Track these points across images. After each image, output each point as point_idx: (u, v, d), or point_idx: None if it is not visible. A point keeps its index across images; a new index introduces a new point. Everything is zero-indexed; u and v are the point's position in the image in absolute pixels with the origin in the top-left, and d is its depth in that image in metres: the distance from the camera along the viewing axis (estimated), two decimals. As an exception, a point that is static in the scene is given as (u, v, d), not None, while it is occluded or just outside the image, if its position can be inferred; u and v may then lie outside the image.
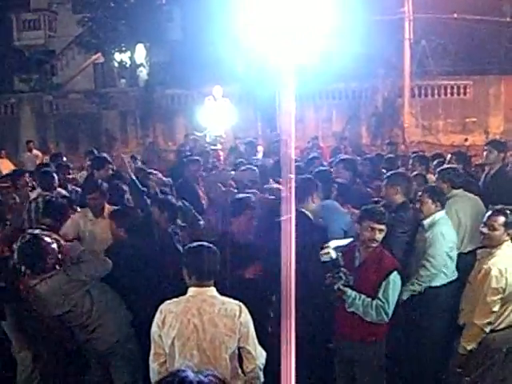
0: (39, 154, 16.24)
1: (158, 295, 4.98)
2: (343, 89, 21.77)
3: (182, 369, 2.06)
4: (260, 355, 4.12)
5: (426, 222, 5.74)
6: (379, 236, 4.91)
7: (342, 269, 4.82)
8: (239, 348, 4.07)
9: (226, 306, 4.05)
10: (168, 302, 4.12)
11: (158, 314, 4.06)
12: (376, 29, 18.94)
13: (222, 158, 12.27)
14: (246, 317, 4.06)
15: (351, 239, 5.16)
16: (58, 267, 5.01)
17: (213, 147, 12.33)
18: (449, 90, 21.26)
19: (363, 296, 4.80)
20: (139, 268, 5.46)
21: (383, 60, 21.30)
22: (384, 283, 4.79)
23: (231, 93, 16.70)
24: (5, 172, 11.53)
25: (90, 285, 5.10)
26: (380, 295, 4.78)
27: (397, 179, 6.01)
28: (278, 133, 13.46)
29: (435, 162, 8.11)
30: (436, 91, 21.29)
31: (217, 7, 14.05)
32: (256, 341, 4.11)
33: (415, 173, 7.47)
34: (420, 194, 5.92)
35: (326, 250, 4.88)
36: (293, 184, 2.72)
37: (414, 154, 9.13)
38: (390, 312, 4.82)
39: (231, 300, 4.13)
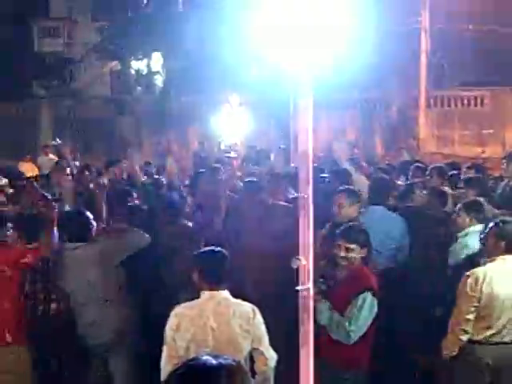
0: (55, 158, 16.36)
1: (162, 294, 5.11)
2: (357, 98, 21.75)
3: (201, 354, 2.13)
4: (272, 357, 4.16)
5: (460, 234, 5.81)
6: (352, 255, 4.74)
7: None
8: (251, 350, 4.10)
9: (240, 308, 4.10)
10: (181, 305, 4.16)
11: (172, 319, 4.08)
12: (391, 39, 18.97)
13: (236, 165, 12.33)
14: (260, 318, 4.11)
15: None
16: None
17: (227, 155, 12.38)
18: (465, 101, 21.13)
19: (333, 311, 4.61)
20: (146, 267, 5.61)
21: (398, 70, 21.28)
22: (354, 301, 4.57)
23: (245, 101, 16.76)
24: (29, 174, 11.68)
25: (124, 255, 5.36)
26: (346, 313, 4.57)
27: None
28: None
29: (450, 173, 8.10)
30: (452, 102, 21.20)
31: (233, 15, 14.14)
32: (268, 343, 4.15)
33: (432, 185, 7.45)
34: (458, 207, 5.93)
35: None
36: (310, 196, 2.76)
37: (432, 165, 9.00)
38: (355, 333, 4.54)
39: (244, 302, 4.18)
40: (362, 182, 7.64)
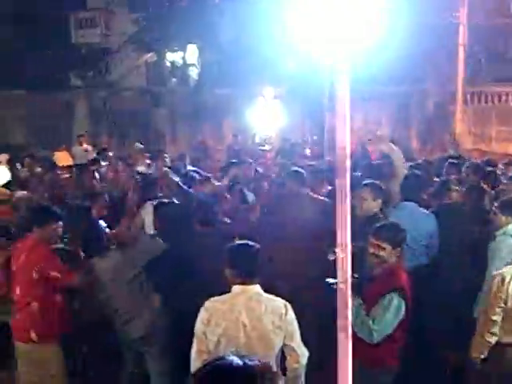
0: (89, 148, 16.54)
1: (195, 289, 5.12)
2: (393, 92, 21.48)
3: (227, 355, 2.12)
4: (303, 354, 4.12)
5: (498, 233, 5.73)
6: (382, 254, 4.64)
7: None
8: (283, 346, 4.07)
9: (272, 304, 4.06)
10: (213, 299, 4.13)
11: (202, 312, 4.07)
12: (428, 32, 18.68)
13: (270, 158, 12.32)
14: (292, 315, 4.08)
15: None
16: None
17: (261, 148, 12.37)
18: (503, 97, 20.76)
19: (361, 307, 4.54)
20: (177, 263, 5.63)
21: (434, 64, 20.98)
22: (380, 301, 4.49)
23: (280, 94, 16.71)
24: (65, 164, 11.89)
25: (141, 264, 5.37)
26: (372, 312, 4.50)
27: None
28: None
29: (486, 171, 7.98)
30: (489, 98, 20.84)
31: (268, 8, 14.09)
32: (300, 339, 4.12)
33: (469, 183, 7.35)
34: (495, 205, 5.88)
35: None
36: (347, 189, 2.72)
37: (468, 163, 8.85)
38: (378, 334, 4.45)
39: (276, 298, 4.14)
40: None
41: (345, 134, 2.68)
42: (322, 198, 6.91)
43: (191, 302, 5.16)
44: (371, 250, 4.68)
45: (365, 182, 6.25)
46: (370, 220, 5.69)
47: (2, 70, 22.66)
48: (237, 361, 2.04)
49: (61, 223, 5.41)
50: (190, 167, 10.41)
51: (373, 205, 5.97)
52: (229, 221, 6.93)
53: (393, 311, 4.46)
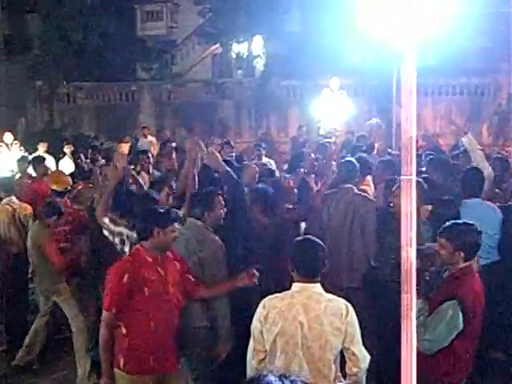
0: (154, 140, 16.65)
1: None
2: (464, 84, 20.88)
3: (264, 373, 1.87)
4: (364, 358, 3.91)
5: None
6: (443, 253, 4.34)
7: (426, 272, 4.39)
8: (343, 349, 3.87)
9: (332, 304, 3.86)
10: (271, 296, 3.99)
11: (260, 309, 3.94)
12: (501, 22, 18.00)
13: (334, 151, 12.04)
14: (353, 316, 3.86)
15: None
16: None
17: (327, 140, 12.09)
18: None
19: (423, 312, 4.23)
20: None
21: (508, 55, 20.24)
22: (438, 309, 4.17)
23: (347, 85, 16.44)
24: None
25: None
26: (428, 319, 4.20)
27: None
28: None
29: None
30: None
31: (335, -1, 13.85)
32: (361, 343, 3.90)
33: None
34: None
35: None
36: (414, 183, 2.58)
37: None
38: (431, 344, 4.13)
39: (337, 298, 3.95)
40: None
41: (412, 126, 2.54)
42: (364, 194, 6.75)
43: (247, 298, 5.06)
44: (436, 248, 4.43)
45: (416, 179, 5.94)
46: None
47: (74, 62, 23.15)
48: (275, 382, 1.82)
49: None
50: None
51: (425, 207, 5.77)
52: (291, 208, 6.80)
53: (446, 322, 4.13)
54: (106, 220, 5.70)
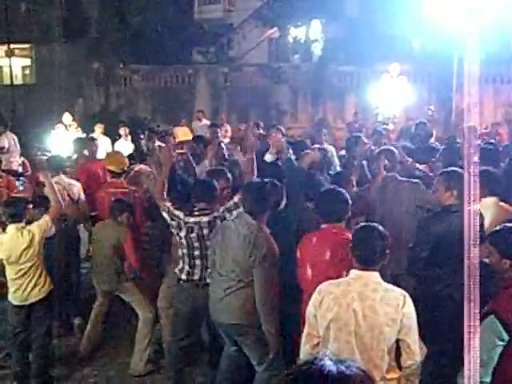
0: (208, 123, 16.64)
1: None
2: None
3: (320, 357, 1.82)
4: (420, 351, 3.82)
5: None
6: (492, 260, 3.97)
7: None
8: (398, 340, 3.77)
9: (389, 294, 3.75)
10: (328, 282, 3.93)
11: (315, 295, 3.89)
12: None
13: (392, 138, 11.79)
14: (410, 308, 3.74)
15: None
16: None
17: (384, 127, 11.85)
18: None
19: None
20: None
21: None
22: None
23: (406, 70, 16.13)
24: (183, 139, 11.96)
25: None
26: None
27: None
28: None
29: None
30: None
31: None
32: (417, 335, 3.79)
33: None
34: None
35: None
36: (476, 173, 2.49)
37: None
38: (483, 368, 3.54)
39: (395, 288, 3.84)
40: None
41: (474, 115, 2.48)
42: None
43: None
44: (492, 261, 4.03)
45: (444, 169, 5.69)
46: (439, 214, 5.33)
47: (131, 45, 23.36)
48: (330, 367, 1.75)
49: None
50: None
51: (444, 196, 5.35)
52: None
53: (484, 340, 3.43)
54: (168, 203, 5.73)
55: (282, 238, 5.22)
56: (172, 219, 5.65)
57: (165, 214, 5.72)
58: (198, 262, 5.60)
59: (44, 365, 6.32)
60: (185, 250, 5.64)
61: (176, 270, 5.77)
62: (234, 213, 5.43)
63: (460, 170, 5.30)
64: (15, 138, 12.53)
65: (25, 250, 5.97)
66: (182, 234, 5.59)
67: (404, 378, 3.87)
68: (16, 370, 6.28)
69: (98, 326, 7.04)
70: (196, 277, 5.62)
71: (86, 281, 8.37)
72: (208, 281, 5.50)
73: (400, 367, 3.88)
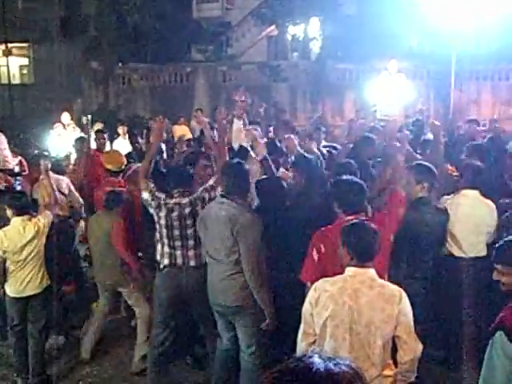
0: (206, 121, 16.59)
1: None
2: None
3: (309, 354, 1.77)
4: (416, 347, 3.79)
5: None
6: (506, 280, 3.74)
7: None
8: (394, 337, 3.77)
9: (385, 290, 3.75)
10: (324, 279, 3.90)
11: (311, 292, 3.88)
12: None
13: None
14: (406, 304, 3.75)
15: None
16: None
17: (382, 124, 11.83)
18: None
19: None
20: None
21: None
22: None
23: (404, 68, 16.12)
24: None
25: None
26: None
27: None
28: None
29: None
30: None
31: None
32: (413, 331, 3.78)
33: None
34: None
35: None
36: None
37: None
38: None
39: (391, 285, 3.85)
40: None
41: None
42: None
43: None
44: (494, 277, 3.86)
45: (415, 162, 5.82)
46: (412, 206, 5.40)
47: (130, 44, 23.32)
48: (318, 364, 1.71)
49: None
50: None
51: (416, 189, 5.55)
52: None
53: (489, 362, 3.43)
54: (151, 183, 5.76)
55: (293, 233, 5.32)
56: (152, 199, 5.66)
57: (146, 194, 5.73)
58: (177, 243, 5.60)
59: (41, 363, 6.33)
60: (164, 231, 5.63)
61: (157, 257, 5.75)
62: (212, 194, 5.51)
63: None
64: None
65: (29, 241, 6.07)
66: (162, 213, 5.60)
67: (400, 375, 3.85)
68: (16, 363, 6.36)
69: (99, 326, 7.03)
70: (179, 260, 5.61)
71: (86, 280, 8.36)
72: (192, 264, 5.55)
73: (396, 364, 3.87)
